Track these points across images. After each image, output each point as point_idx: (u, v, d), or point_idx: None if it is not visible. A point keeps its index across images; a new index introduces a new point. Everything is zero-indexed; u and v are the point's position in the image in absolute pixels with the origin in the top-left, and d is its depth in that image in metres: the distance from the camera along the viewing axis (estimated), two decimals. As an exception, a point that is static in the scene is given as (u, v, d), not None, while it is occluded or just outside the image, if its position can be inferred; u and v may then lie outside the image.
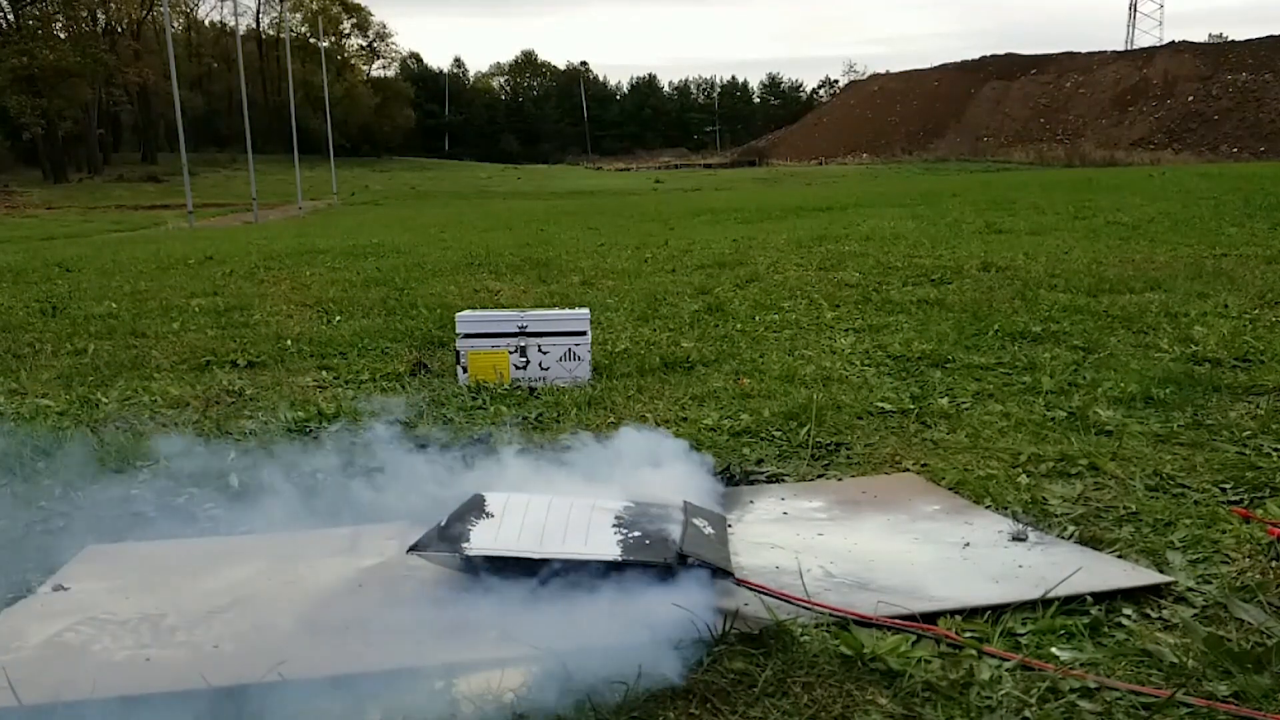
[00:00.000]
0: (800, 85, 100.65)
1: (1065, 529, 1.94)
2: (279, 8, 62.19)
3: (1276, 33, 59.76)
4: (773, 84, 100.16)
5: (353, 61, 73.50)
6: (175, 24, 55.48)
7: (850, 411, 2.92)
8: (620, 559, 1.63)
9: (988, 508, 2.10)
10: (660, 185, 39.77)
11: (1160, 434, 2.57)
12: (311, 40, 60.44)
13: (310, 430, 2.88)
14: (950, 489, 2.24)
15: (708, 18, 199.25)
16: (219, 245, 11.96)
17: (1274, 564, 1.74)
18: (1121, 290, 5.06)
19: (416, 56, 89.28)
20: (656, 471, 2.17)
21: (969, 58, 69.95)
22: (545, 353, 3.49)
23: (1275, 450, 2.40)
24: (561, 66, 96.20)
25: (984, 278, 5.82)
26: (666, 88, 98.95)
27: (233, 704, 1.33)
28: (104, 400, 3.38)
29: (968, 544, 1.90)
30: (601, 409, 3.06)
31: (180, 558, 1.93)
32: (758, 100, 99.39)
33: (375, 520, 2.05)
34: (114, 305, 5.96)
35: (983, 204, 13.70)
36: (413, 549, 1.70)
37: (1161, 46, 60.88)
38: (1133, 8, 71.48)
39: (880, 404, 2.99)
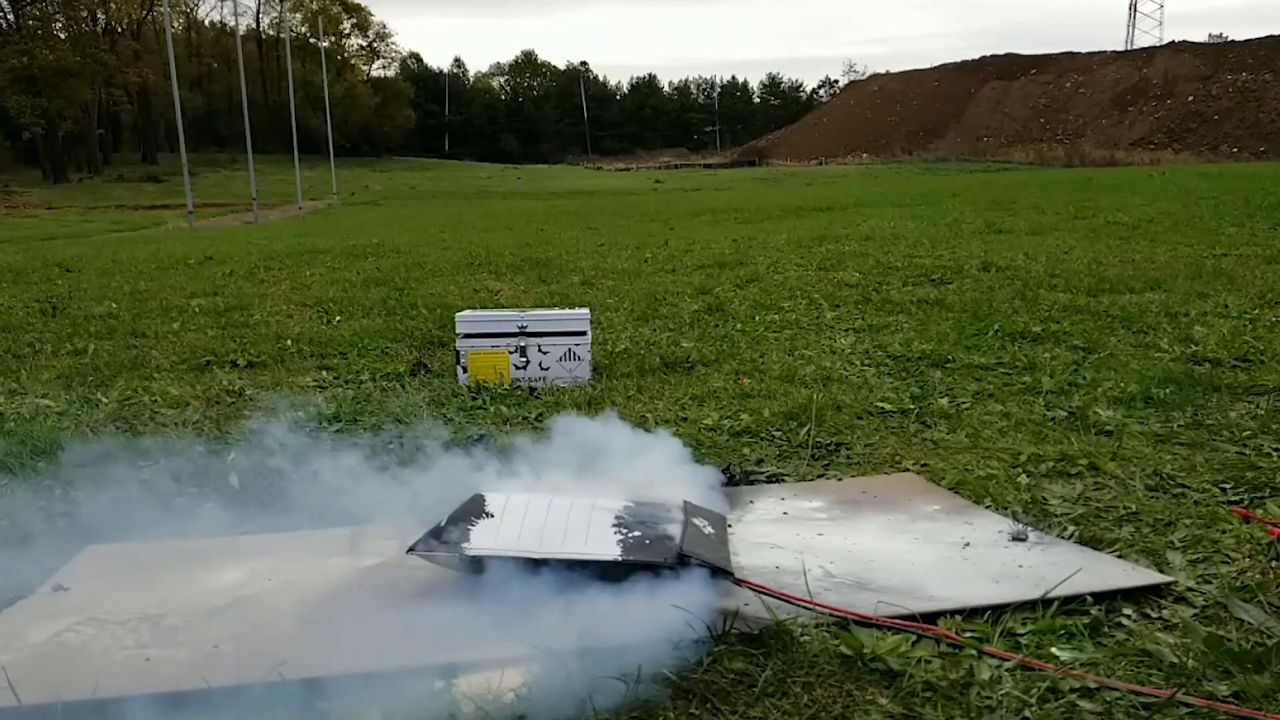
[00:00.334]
0: (800, 85, 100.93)
1: (1065, 529, 1.95)
2: (279, 8, 62.30)
3: (1276, 33, 59.80)
4: (773, 84, 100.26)
5: (353, 61, 73.63)
6: (175, 24, 55.53)
7: (850, 411, 2.92)
8: (620, 559, 1.63)
9: (988, 508, 2.10)
10: (660, 185, 39.80)
11: (1160, 434, 2.57)
12: (311, 40, 60.51)
13: (310, 430, 2.88)
14: (950, 489, 2.24)
15: (708, 18, 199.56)
16: (219, 245, 11.96)
17: (1274, 564, 1.74)
18: (1121, 290, 5.05)
19: (416, 56, 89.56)
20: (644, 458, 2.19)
21: (969, 58, 70.10)
22: (545, 353, 3.49)
23: (1275, 450, 2.40)
24: (561, 66, 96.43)
25: (984, 278, 5.82)
26: (666, 88, 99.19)
27: (233, 704, 1.33)
28: (104, 400, 3.38)
29: (968, 544, 1.90)
30: (602, 409, 3.06)
31: (180, 558, 1.93)
32: (758, 100, 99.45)
33: (375, 520, 2.04)
34: (114, 305, 5.96)
35: (983, 204, 13.71)
36: (413, 549, 1.69)
37: (1161, 46, 60.91)
38: (1133, 8, 71.60)
39: (880, 404, 2.99)
